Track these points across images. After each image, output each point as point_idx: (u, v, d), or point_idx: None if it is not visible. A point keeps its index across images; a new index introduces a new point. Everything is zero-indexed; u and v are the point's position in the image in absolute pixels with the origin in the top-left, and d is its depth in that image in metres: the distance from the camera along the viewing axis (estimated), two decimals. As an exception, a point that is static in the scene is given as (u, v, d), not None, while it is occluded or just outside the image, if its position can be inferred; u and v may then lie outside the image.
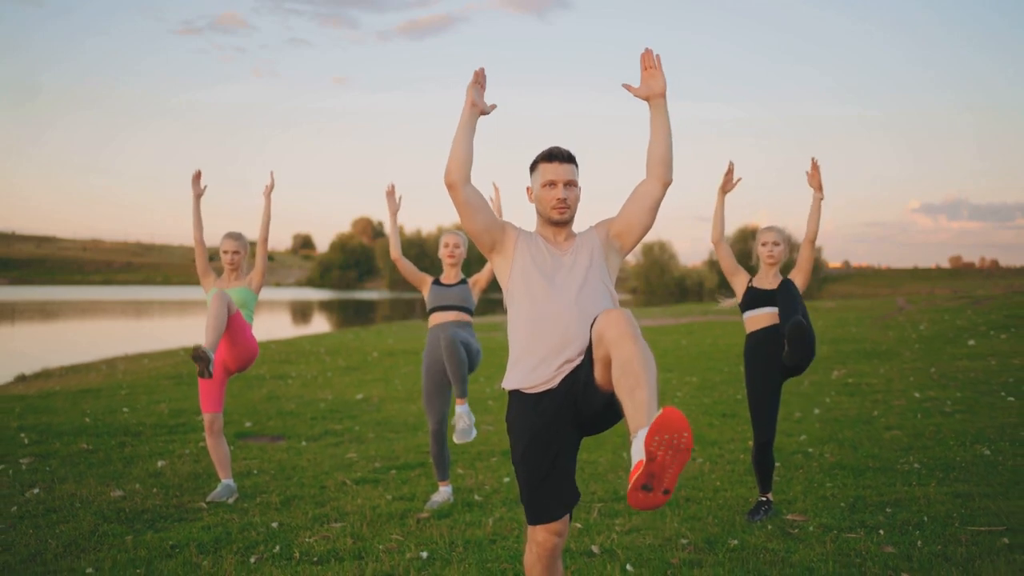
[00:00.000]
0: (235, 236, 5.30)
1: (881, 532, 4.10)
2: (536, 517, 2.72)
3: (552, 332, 2.72)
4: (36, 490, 5.17)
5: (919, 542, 3.91)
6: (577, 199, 2.89)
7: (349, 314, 44.18)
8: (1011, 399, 8.11)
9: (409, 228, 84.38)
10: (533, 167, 2.92)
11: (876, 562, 3.67)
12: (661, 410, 2.19)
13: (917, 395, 8.67)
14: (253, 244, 5.43)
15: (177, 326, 30.71)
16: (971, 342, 13.42)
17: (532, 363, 2.75)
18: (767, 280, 4.68)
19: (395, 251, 5.06)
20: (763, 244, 4.69)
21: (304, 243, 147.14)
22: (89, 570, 3.69)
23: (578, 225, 3.00)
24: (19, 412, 8.40)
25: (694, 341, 16.44)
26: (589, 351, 2.59)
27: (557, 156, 2.84)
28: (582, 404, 2.65)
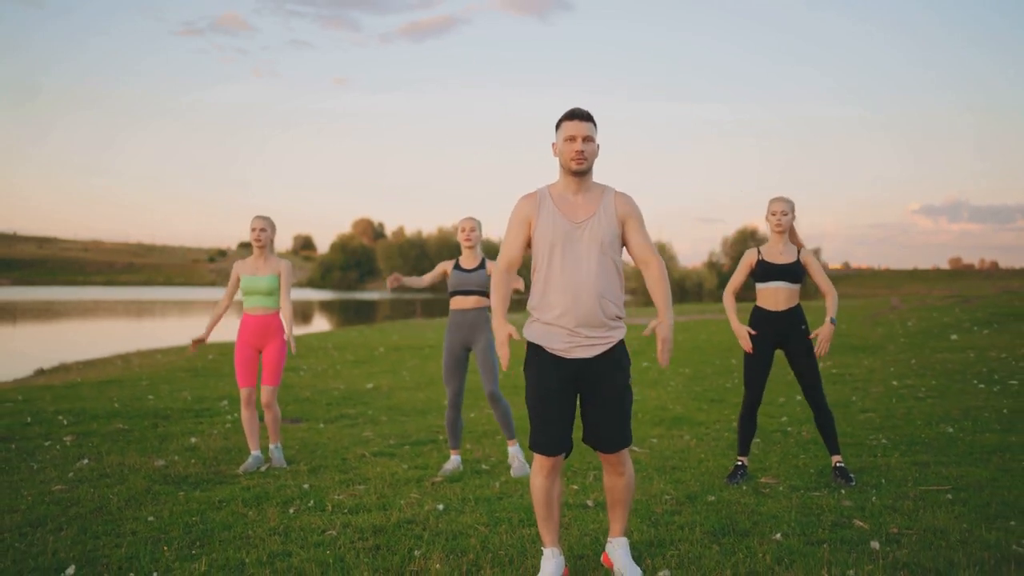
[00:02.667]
0: (264, 217, 5.72)
1: (842, 491, 4.65)
2: (533, 445, 3.31)
3: (562, 301, 3.24)
4: (86, 460, 5.72)
5: (874, 498, 4.47)
6: (594, 153, 3.29)
7: (351, 314, 44.70)
8: (981, 386, 8.66)
9: (409, 228, 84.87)
10: (558, 125, 3.37)
11: (833, 512, 4.22)
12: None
13: (895, 383, 9.23)
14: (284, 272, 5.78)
15: (183, 325, 31.25)
16: (953, 337, 13.98)
17: (544, 325, 3.30)
18: (777, 252, 5.05)
19: None
20: (772, 213, 5.07)
21: (305, 244, 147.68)
22: (151, 518, 4.25)
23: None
24: (51, 399, 8.95)
25: (689, 337, 16.99)
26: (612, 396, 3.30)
27: (577, 115, 3.31)
28: (582, 397, 3.35)
